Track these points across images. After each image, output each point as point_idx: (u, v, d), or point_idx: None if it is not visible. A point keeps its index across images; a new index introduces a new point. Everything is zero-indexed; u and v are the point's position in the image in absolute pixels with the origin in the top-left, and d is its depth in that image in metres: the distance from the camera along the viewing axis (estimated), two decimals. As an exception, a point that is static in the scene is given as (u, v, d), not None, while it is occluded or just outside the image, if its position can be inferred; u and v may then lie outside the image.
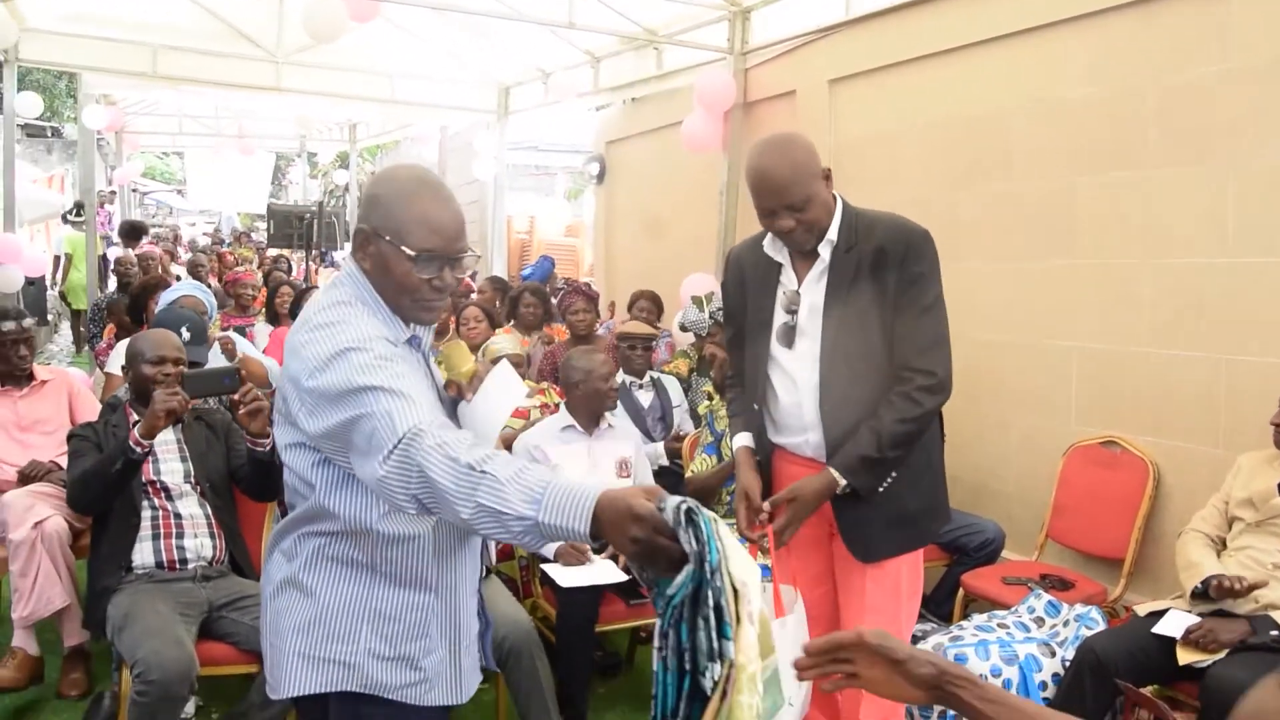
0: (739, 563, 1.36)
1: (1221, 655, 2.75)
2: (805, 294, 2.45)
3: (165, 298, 4.87)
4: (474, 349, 5.05)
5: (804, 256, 2.46)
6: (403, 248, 1.77)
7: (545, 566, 3.47)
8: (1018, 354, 4.34)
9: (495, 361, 4.52)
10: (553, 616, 3.43)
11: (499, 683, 3.29)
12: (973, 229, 4.48)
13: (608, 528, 1.43)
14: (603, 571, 3.40)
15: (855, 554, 2.47)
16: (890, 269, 2.36)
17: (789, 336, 2.46)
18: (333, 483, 1.78)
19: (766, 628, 1.43)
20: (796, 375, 2.46)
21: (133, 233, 12.51)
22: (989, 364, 4.40)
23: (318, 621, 1.81)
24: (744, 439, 2.60)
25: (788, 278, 2.49)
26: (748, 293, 2.56)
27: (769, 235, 2.50)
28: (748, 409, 2.60)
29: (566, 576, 3.35)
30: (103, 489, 3.16)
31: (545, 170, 18.17)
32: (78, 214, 11.98)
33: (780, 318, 2.48)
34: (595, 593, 3.35)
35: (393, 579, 1.81)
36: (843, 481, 2.37)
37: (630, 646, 4.14)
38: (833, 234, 2.40)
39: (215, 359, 4.69)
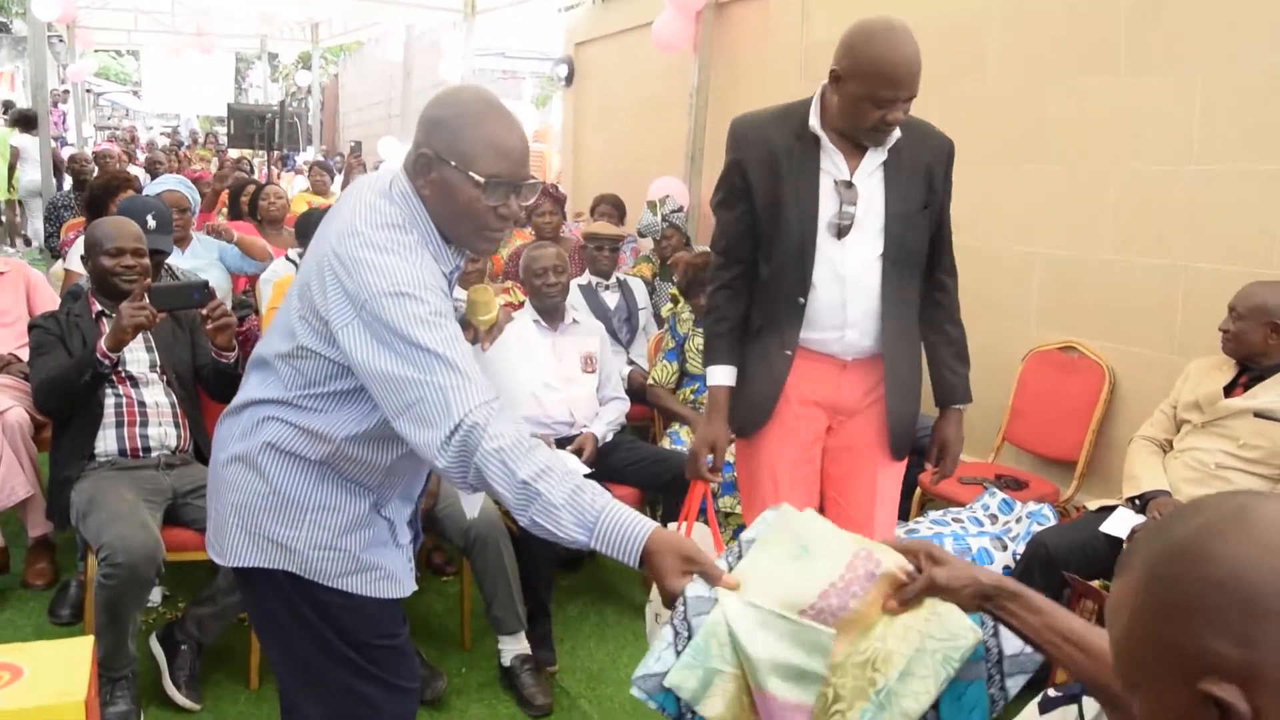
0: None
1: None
2: (860, 185, 2.38)
3: (150, 190, 4.78)
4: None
5: (851, 146, 2.39)
6: (470, 173, 1.68)
7: (510, 460, 3.49)
8: (981, 259, 4.37)
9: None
10: (517, 509, 3.47)
11: (465, 571, 3.35)
12: (943, 130, 4.47)
13: (658, 566, 1.50)
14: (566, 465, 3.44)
15: (894, 453, 2.54)
16: (937, 177, 2.45)
17: (842, 228, 2.38)
18: (331, 393, 1.74)
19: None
20: (847, 271, 2.40)
21: (24, 121, 11.82)
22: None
23: (263, 503, 1.81)
24: (723, 375, 2.53)
25: (834, 165, 2.38)
26: (781, 174, 2.40)
27: (814, 114, 2.38)
28: (731, 338, 2.52)
29: (531, 468, 3.38)
30: (68, 397, 3.15)
31: (513, 75, 17.83)
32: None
33: (830, 208, 2.38)
34: (559, 485, 3.39)
35: (342, 481, 1.81)
36: (963, 406, 2.58)
37: (593, 541, 4.21)
38: (895, 130, 2.35)
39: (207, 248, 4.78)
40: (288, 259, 4.74)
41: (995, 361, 4.32)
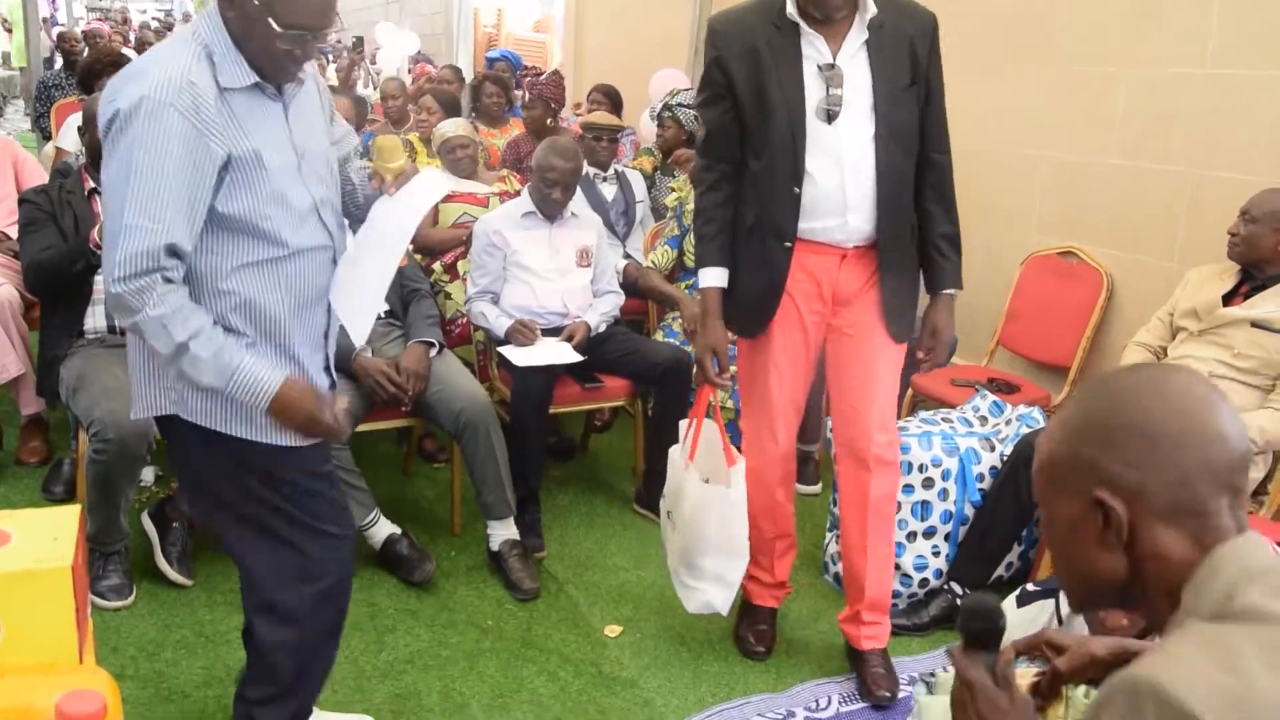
0: None
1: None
2: (845, 67, 2.34)
3: None
4: (424, 138, 4.94)
5: (832, 28, 2.33)
6: (269, 19, 1.72)
7: (500, 349, 3.49)
8: (984, 162, 4.30)
9: (443, 145, 4.37)
10: (509, 397, 3.48)
11: (455, 457, 3.36)
12: (946, 33, 4.35)
13: (290, 411, 1.84)
14: (557, 351, 3.43)
15: (894, 334, 2.53)
16: (920, 50, 2.38)
17: (831, 113, 2.35)
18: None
19: None
20: (842, 154, 2.36)
21: None
22: (956, 174, 4.35)
23: (155, 355, 1.85)
24: (715, 277, 2.53)
25: (815, 50, 2.34)
26: (763, 65, 2.36)
27: (790, 1, 2.32)
28: (720, 238, 2.51)
29: (520, 356, 3.37)
30: (60, 283, 3.13)
31: (515, -38, 17.31)
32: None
33: (816, 93, 2.34)
34: (549, 373, 3.39)
35: (229, 330, 1.84)
36: (955, 291, 2.54)
37: (584, 432, 4.23)
38: (872, 6, 2.31)
39: None
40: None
41: (994, 265, 4.29)
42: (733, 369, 2.63)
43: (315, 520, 2.00)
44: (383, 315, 3.36)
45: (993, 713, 1.21)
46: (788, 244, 2.45)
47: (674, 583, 2.72)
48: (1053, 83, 4.08)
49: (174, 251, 1.72)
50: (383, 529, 3.15)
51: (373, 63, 11.27)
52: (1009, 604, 2.22)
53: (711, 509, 2.55)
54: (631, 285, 4.34)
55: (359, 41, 9.88)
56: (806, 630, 2.97)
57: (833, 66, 2.34)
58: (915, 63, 2.37)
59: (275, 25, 1.72)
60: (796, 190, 2.40)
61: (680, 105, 5.15)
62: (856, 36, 2.33)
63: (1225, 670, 0.89)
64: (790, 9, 2.34)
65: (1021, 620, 2.12)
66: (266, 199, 1.81)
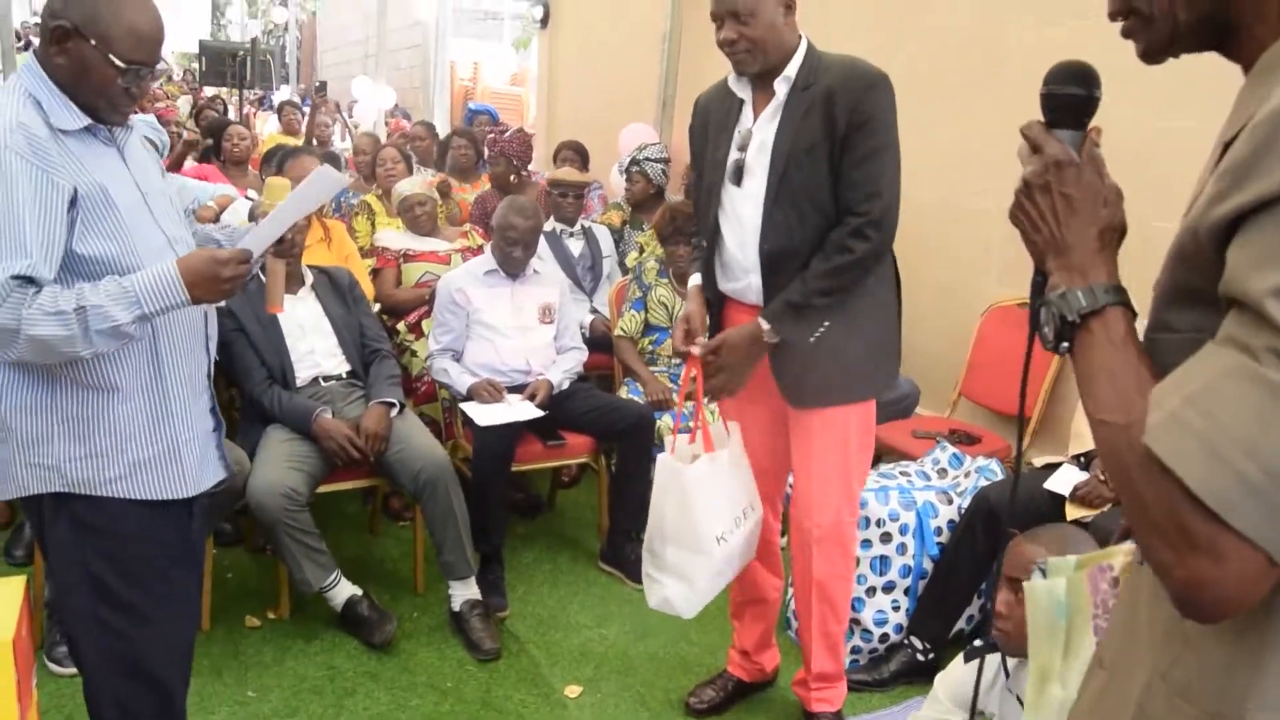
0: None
1: (1104, 510, 2.87)
2: (757, 132, 2.40)
3: None
4: (389, 192, 4.96)
5: (765, 95, 2.40)
6: (110, 55, 1.78)
7: (463, 406, 3.50)
8: (942, 213, 4.36)
9: (401, 204, 4.37)
10: (472, 455, 3.48)
11: (418, 515, 3.36)
12: (902, 83, 4.43)
13: (199, 283, 1.81)
14: (519, 410, 3.44)
15: (788, 399, 2.47)
16: (840, 109, 2.29)
17: (738, 174, 2.42)
18: None
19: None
20: (742, 214, 2.42)
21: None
22: (912, 223, 4.38)
23: (8, 428, 1.85)
24: (695, 279, 2.59)
25: (746, 115, 2.44)
26: (710, 134, 2.51)
27: (734, 73, 2.43)
28: (703, 251, 2.58)
29: (483, 415, 3.38)
30: None
31: (493, 16, 17.56)
32: None
33: (732, 155, 2.43)
34: (511, 431, 3.40)
35: (76, 382, 1.85)
36: (766, 326, 2.35)
37: (551, 489, 4.24)
38: (790, 71, 2.34)
39: None
40: (248, 199, 4.68)
41: (955, 315, 4.33)
42: (703, 338, 2.51)
43: (149, 605, 1.96)
44: (344, 376, 3.38)
45: (1084, 193, 0.98)
46: (708, 296, 2.54)
47: (643, 575, 2.56)
48: (1005, 133, 4.15)
49: (34, 281, 1.73)
50: (343, 590, 3.13)
51: (349, 115, 11.37)
52: (957, 659, 2.23)
53: (669, 490, 2.41)
54: (599, 340, 4.37)
55: (323, 86, 9.93)
56: (769, 686, 2.96)
57: (750, 131, 2.41)
58: (830, 123, 2.29)
59: (118, 62, 1.78)
60: (712, 249, 2.50)
61: (648, 160, 5.22)
62: (776, 101, 2.38)
63: None
64: (731, 80, 2.46)
65: (966, 674, 2.13)
66: (121, 235, 1.83)
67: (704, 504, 2.39)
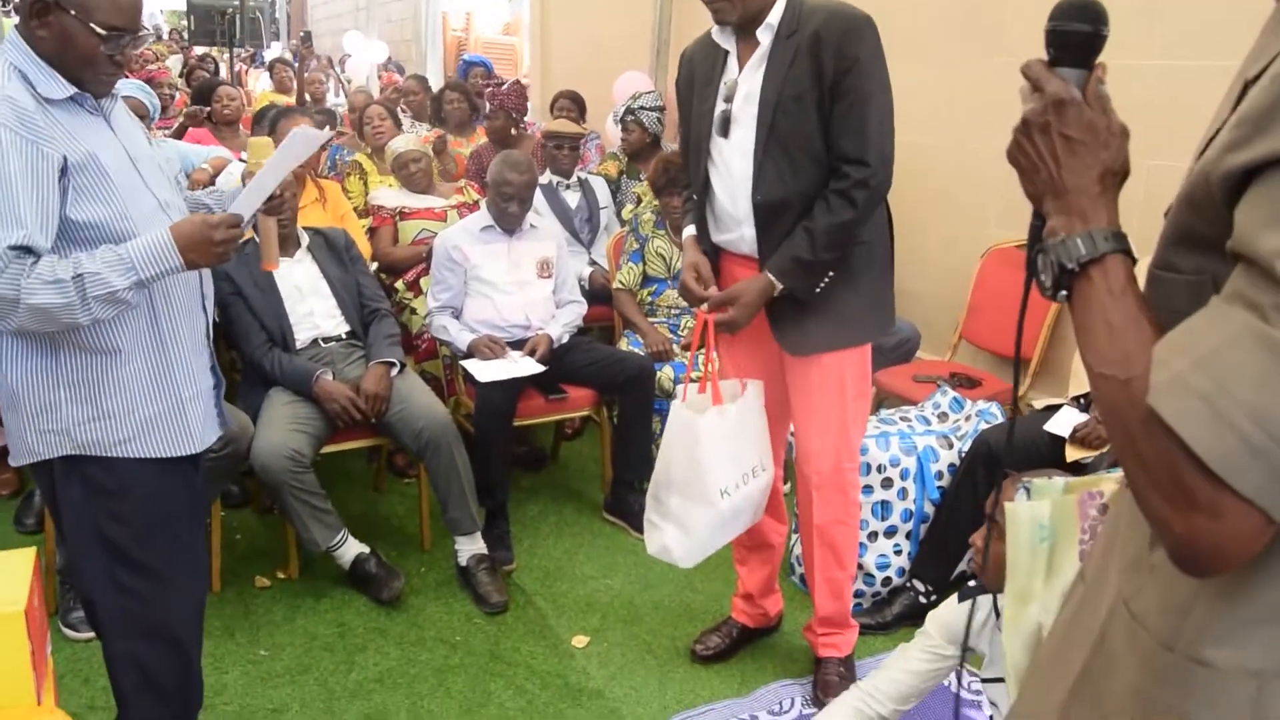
0: None
1: (1104, 450, 2.88)
2: (743, 82, 2.38)
3: None
4: (379, 149, 4.93)
5: (749, 45, 2.38)
6: (91, 24, 1.80)
7: (464, 363, 3.51)
8: (941, 156, 4.33)
9: (395, 161, 4.35)
10: (474, 411, 3.50)
11: (423, 472, 3.38)
12: (902, 25, 4.38)
13: (193, 247, 1.84)
14: (519, 365, 3.46)
15: (786, 348, 2.49)
16: (827, 54, 2.26)
17: (725, 125, 2.40)
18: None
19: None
20: (732, 165, 2.41)
21: None
22: (911, 167, 4.37)
23: (16, 397, 1.91)
24: (691, 229, 2.59)
25: (731, 66, 2.43)
26: (695, 87, 2.50)
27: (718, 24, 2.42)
28: (694, 203, 2.58)
29: (483, 371, 3.40)
30: None
31: (484, -36, 17.29)
32: None
33: (719, 107, 2.42)
34: (512, 387, 3.41)
35: (78, 347, 1.89)
36: (779, 285, 2.38)
37: (555, 441, 4.26)
38: (773, 19, 2.32)
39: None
40: (240, 160, 4.66)
41: (953, 259, 4.32)
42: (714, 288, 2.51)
43: (164, 566, 2.02)
44: (343, 336, 3.39)
45: (1085, 134, 0.95)
46: (704, 248, 2.55)
47: (644, 521, 2.57)
48: (1003, 74, 4.11)
49: (32, 251, 1.76)
50: (351, 549, 3.17)
51: (342, 70, 11.25)
52: (951, 598, 2.26)
53: (680, 440, 2.40)
54: (598, 292, 4.37)
55: (308, 37, 9.71)
56: (773, 632, 3.00)
57: (735, 82, 2.39)
58: (818, 70, 2.27)
59: (99, 30, 1.81)
60: (703, 201, 2.50)
61: (643, 109, 5.17)
62: (760, 50, 2.35)
63: None
64: (714, 31, 2.44)
65: (959, 612, 2.15)
66: (113, 200, 1.86)
67: (712, 455, 2.39)
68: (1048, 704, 1.03)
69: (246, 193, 1.98)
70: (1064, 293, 0.94)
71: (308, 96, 8.91)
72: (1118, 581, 0.95)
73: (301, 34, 9.79)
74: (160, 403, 1.97)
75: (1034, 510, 1.41)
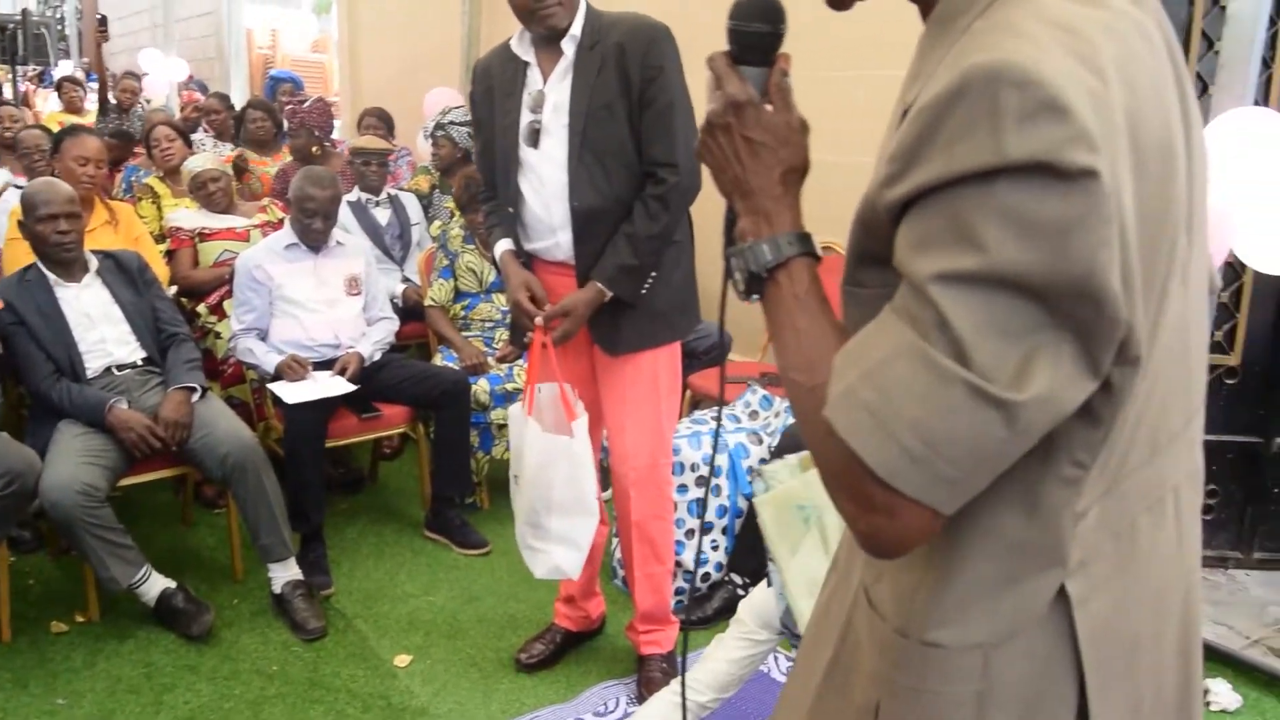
0: None
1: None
2: (550, 92, 2.41)
3: None
4: (171, 171, 4.74)
5: (550, 56, 2.41)
6: None
7: (271, 386, 3.41)
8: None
9: (193, 181, 4.21)
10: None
11: (231, 501, 3.26)
12: (695, 41, 4.52)
13: None
14: (327, 385, 3.38)
15: (604, 348, 2.54)
16: (632, 64, 2.34)
17: (534, 136, 2.43)
18: None
19: None
20: (544, 175, 2.44)
21: None
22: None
23: None
24: (505, 244, 2.58)
25: (533, 77, 2.45)
26: (495, 99, 2.51)
27: (516, 35, 2.45)
28: (505, 215, 2.57)
29: (291, 393, 3.31)
30: None
31: (290, -20, 16.84)
32: None
33: (526, 118, 2.44)
34: (323, 407, 3.34)
35: None
36: (609, 293, 2.43)
37: (373, 461, 4.19)
38: (576, 30, 2.36)
39: None
40: (16, 186, 4.39)
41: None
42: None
43: None
44: (139, 363, 3.25)
45: (765, 135, 0.96)
46: (523, 261, 2.56)
47: (520, 548, 2.58)
48: (820, 86, 4.30)
49: None
50: (155, 584, 3.02)
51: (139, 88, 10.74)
52: (760, 585, 2.34)
53: (557, 464, 2.44)
54: (412, 309, 4.32)
55: (103, 21, 9.08)
56: (596, 635, 3.03)
57: (542, 92, 2.42)
58: (625, 80, 2.35)
59: None
60: (513, 211, 2.52)
61: (452, 123, 5.16)
62: (564, 61, 2.40)
63: (1083, 63, 0.74)
64: (514, 40, 2.46)
65: (768, 596, 2.24)
66: None
67: (588, 469, 2.46)
68: (808, 690, 1.08)
69: None
70: (755, 296, 0.97)
71: (112, 98, 8.41)
72: (860, 569, 1.01)
73: (98, 17, 9.10)
74: None
75: (785, 494, 1.48)
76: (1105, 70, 0.75)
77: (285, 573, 3.12)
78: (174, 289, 4.00)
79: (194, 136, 6.20)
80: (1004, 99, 0.72)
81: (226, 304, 3.89)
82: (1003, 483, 0.83)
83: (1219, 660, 2.91)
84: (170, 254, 4.13)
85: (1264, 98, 3.07)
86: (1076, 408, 0.79)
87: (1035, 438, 0.79)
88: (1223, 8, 2.88)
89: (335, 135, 5.65)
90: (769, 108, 0.98)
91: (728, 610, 3.10)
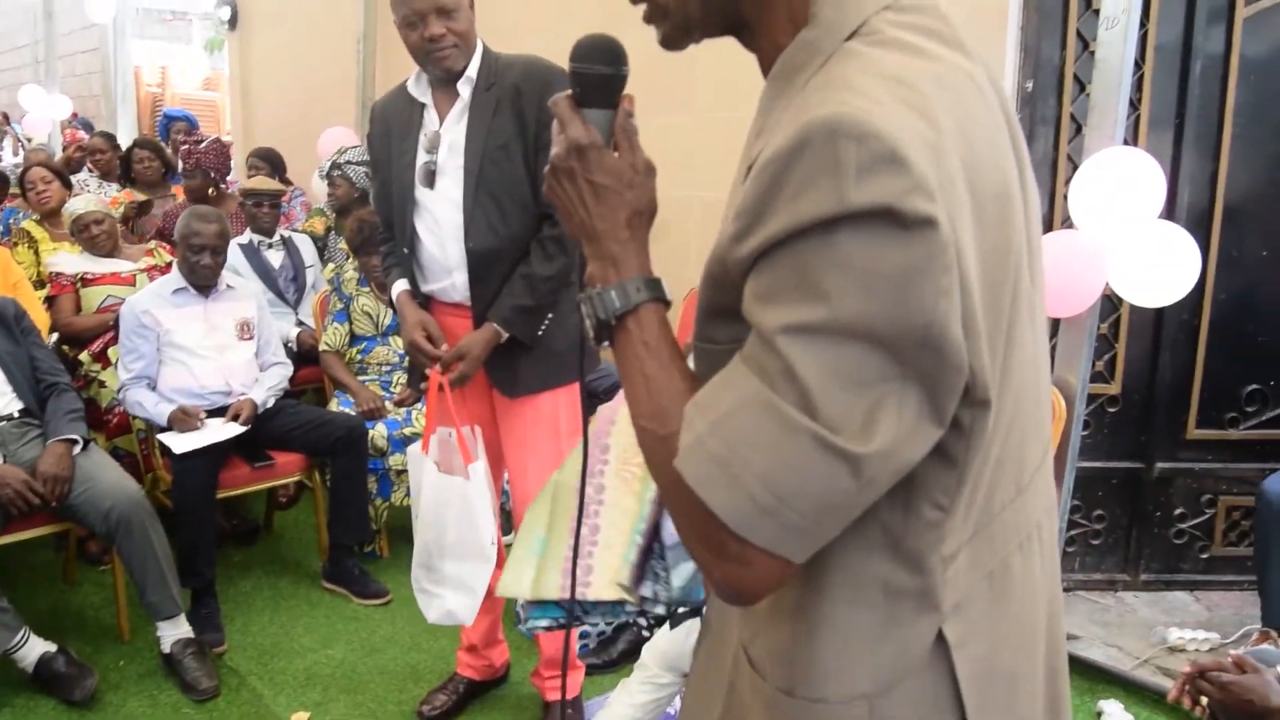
0: None
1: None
2: (446, 133, 2.40)
3: None
4: (50, 214, 4.58)
5: (446, 97, 2.40)
6: None
7: (160, 436, 3.30)
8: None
9: (75, 224, 4.10)
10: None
11: (115, 558, 3.13)
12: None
13: None
14: (217, 431, 3.28)
15: (502, 390, 2.52)
16: (529, 107, 2.34)
17: (429, 177, 2.41)
18: None
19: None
20: (439, 215, 2.42)
21: None
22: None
23: None
24: (402, 284, 2.56)
25: (430, 118, 2.43)
26: (392, 140, 2.49)
27: (413, 76, 2.44)
28: (402, 256, 2.54)
29: (179, 442, 3.20)
30: None
31: (180, 16, 16.50)
32: None
33: (421, 158, 2.43)
34: (213, 456, 3.24)
35: None
36: (505, 334, 2.41)
37: (268, 511, 4.07)
38: (472, 71, 2.36)
39: None
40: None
41: (661, 302, 4.49)
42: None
43: None
44: (15, 415, 3.11)
45: (609, 178, 0.96)
46: (420, 301, 2.54)
47: (415, 591, 2.53)
48: (696, 128, 4.36)
49: None
50: (34, 649, 2.88)
51: (19, 126, 10.38)
52: (663, 629, 2.33)
53: (450, 505, 2.41)
54: (307, 353, 4.23)
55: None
56: (500, 683, 2.98)
57: (438, 133, 2.42)
58: (521, 121, 2.35)
59: None
60: (409, 252, 2.50)
61: (349, 163, 5.07)
62: (461, 102, 2.40)
63: (917, 113, 0.76)
64: (410, 82, 2.45)
65: (672, 638, 2.23)
66: None
67: (484, 512, 2.42)
68: None
69: None
70: (606, 343, 0.95)
71: None
72: (736, 628, 1.00)
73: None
74: None
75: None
76: (939, 120, 0.76)
77: (175, 631, 3.00)
78: (55, 336, 3.85)
79: (78, 177, 6.02)
80: (843, 152, 0.73)
81: (111, 351, 3.75)
82: (867, 528, 0.83)
83: (1110, 681, 3.00)
84: (50, 300, 3.98)
85: (1133, 137, 3.22)
86: (922, 457, 0.80)
87: (883, 488, 0.79)
88: (1092, 53, 3.02)
89: (230, 176, 5.51)
90: (615, 152, 0.97)
91: (633, 653, 3.08)
